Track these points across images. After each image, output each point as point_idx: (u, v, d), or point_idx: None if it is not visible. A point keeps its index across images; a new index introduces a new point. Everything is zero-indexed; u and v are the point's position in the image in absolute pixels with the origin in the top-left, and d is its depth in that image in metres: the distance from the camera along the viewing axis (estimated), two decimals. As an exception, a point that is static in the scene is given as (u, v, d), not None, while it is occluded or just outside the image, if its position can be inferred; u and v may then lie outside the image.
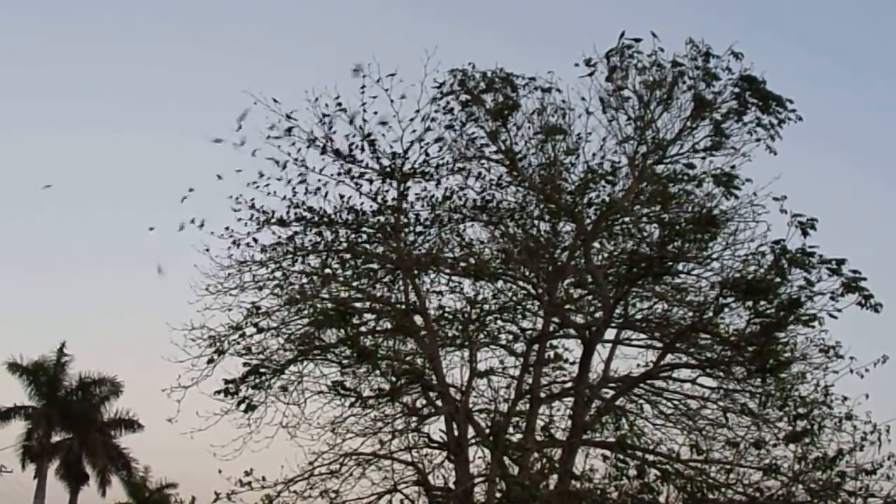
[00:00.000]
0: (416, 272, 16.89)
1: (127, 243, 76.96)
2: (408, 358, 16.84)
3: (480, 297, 17.23)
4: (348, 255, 17.26)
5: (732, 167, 15.86)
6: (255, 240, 16.95)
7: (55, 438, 49.37)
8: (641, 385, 16.48)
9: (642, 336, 16.80)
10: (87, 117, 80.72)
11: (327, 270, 17.15)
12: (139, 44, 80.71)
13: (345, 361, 16.74)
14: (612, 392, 16.39)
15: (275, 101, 16.27)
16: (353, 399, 16.64)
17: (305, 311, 16.79)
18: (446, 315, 17.14)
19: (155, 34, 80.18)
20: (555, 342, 16.94)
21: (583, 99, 16.08)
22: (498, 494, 15.69)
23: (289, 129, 16.43)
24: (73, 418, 48.82)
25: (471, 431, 16.01)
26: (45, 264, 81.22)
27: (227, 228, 16.82)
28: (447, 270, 17.05)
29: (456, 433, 15.92)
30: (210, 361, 16.45)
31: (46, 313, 73.03)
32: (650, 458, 15.73)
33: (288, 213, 16.87)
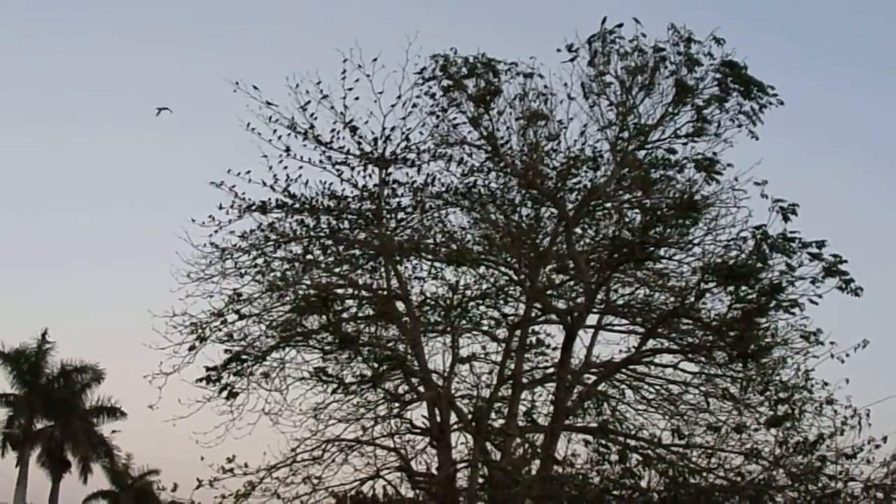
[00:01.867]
0: (397, 258, 16.86)
1: (108, 233, 76.91)
2: (390, 344, 16.84)
3: (462, 283, 17.25)
4: (330, 242, 17.21)
5: (714, 153, 15.90)
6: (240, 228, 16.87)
7: (37, 426, 49.14)
8: (623, 370, 16.50)
9: (624, 321, 16.84)
10: (80, 116, 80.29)
11: (309, 257, 17.12)
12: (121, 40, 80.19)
13: (327, 348, 16.73)
14: (594, 377, 16.43)
15: (255, 87, 16.28)
16: (335, 385, 16.67)
17: (287, 298, 16.74)
18: (428, 301, 17.16)
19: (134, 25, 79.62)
20: (537, 328, 16.99)
21: (565, 84, 16.08)
22: (480, 480, 15.70)
23: (269, 117, 16.40)
24: (54, 406, 48.55)
25: (453, 417, 16.03)
26: (28, 254, 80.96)
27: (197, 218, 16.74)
28: (429, 256, 17.03)
29: (438, 419, 15.94)
30: (192, 348, 16.41)
31: (28, 301, 72.78)
32: (632, 442, 15.80)
33: (269, 199, 16.83)
